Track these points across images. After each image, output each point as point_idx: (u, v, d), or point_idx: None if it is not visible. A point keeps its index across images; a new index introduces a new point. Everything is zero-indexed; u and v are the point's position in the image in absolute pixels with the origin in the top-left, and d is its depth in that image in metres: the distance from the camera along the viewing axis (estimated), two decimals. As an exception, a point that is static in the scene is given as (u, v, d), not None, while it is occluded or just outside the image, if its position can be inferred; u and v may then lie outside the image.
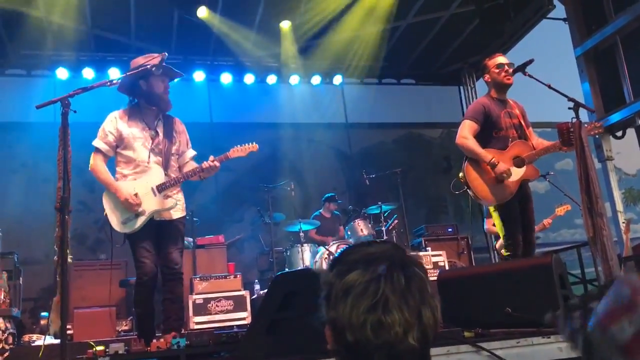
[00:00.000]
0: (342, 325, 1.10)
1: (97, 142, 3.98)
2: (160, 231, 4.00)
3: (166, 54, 3.93)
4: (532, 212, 4.45)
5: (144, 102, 4.06)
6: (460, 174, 4.46)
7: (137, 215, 3.87)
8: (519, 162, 4.29)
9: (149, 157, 3.99)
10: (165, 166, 4.03)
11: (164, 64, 3.95)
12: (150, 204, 3.91)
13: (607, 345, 0.97)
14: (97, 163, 3.98)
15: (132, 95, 4.10)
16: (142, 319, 3.92)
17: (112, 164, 4.12)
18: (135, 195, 3.87)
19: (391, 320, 1.07)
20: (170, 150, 4.09)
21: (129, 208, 3.84)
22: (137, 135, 4.00)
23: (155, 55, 4.02)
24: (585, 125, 3.99)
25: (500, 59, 4.50)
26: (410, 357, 1.09)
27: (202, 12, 7.55)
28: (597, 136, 6.12)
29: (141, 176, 3.96)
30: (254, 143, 4.24)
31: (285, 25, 8.15)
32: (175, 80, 4.29)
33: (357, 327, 1.08)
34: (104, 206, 3.97)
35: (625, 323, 0.96)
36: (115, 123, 4.00)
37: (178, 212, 4.07)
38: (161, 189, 3.96)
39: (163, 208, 3.96)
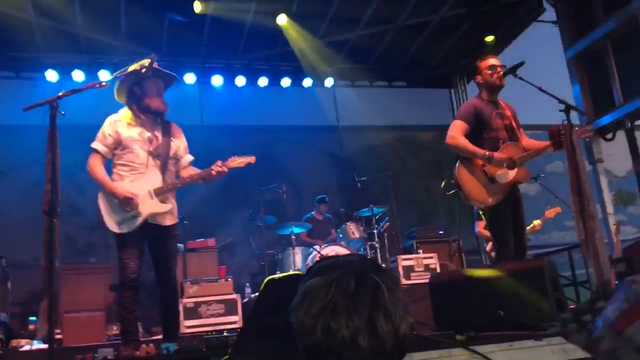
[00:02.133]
0: (300, 330, 1.12)
1: (96, 144, 3.99)
2: (154, 239, 4.01)
3: (155, 55, 3.90)
4: (523, 214, 4.45)
5: (140, 108, 4.06)
6: (452, 176, 4.46)
7: (134, 217, 3.87)
8: (510, 164, 4.29)
9: (148, 160, 3.99)
10: (163, 170, 4.04)
11: (156, 66, 3.94)
12: (146, 207, 3.91)
13: (627, 349, 0.96)
14: (94, 163, 3.98)
15: (128, 102, 4.11)
16: (126, 322, 3.89)
17: (108, 167, 4.10)
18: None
19: (339, 323, 1.07)
20: (169, 154, 4.09)
21: (127, 206, 3.83)
22: (135, 138, 4.00)
23: (145, 60, 4.02)
24: (576, 128, 4.00)
25: (492, 61, 4.51)
26: None
27: (198, 7, 7.44)
28: (587, 139, 6.15)
29: (139, 178, 3.96)
30: (252, 155, 4.26)
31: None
32: (172, 84, 4.29)
33: (310, 330, 1.09)
34: (99, 207, 3.95)
35: None
36: (114, 126, 4.01)
37: (171, 220, 4.08)
38: (158, 192, 3.96)
39: (159, 211, 3.96)
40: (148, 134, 4.05)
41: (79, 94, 3.40)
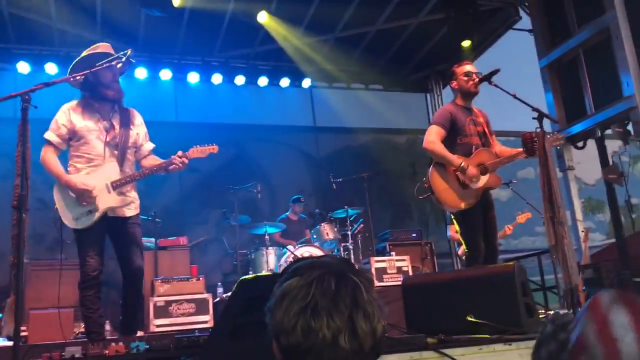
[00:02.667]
0: (278, 330, 1.11)
1: (49, 135, 3.83)
2: (115, 231, 3.88)
3: (131, 50, 3.80)
4: (495, 219, 4.51)
5: (95, 94, 3.90)
6: (425, 179, 4.49)
7: (91, 211, 3.73)
8: (482, 169, 4.34)
9: (105, 150, 3.84)
10: (122, 160, 3.89)
11: (126, 58, 3.77)
12: (104, 201, 3.77)
13: None
14: (47, 155, 3.83)
15: (82, 88, 3.93)
16: (89, 321, 3.80)
17: (65, 158, 3.95)
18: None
19: (319, 323, 1.07)
20: (127, 143, 3.94)
21: (83, 199, 3.70)
22: (91, 128, 3.85)
23: (101, 44, 3.92)
24: (548, 135, 4.07)
25: (468, 67, 4.55)
26: None
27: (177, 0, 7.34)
28: (558, 147, 6.26)
29: (96, 170, 3.81)
30: (214, 145, 4.11)
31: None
32: (127, 69, 4.12)
33: (289, 330, 1.09)
34: (54, 201, 3.82)
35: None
36: (68, 115, 3.85)
37: (132, 210, 3.95)
38: (116, 185, 3.82)
39: (118, 205, 3.83)
40: (105, 123, 3.89)
41: (50, 87, 3.32)
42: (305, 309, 1.08)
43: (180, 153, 3.95)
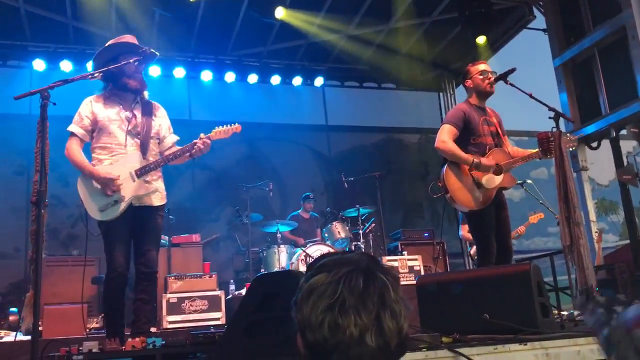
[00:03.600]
0: (304, 326, 1.12)
1: (73, 127, 3.77)
2: (138, 222, 3.78)
3: (152, 50, 3.77)
4: (508, 219, 4.48)
5: (117, 85, 3.85)
6: (439, 178, 4.47)
7: (116, 201, 3.65)
8: (497, 170, 4.32)
9: (126, 140, 3.78)
10: (144, 150, 3.82)
11: (147, 51, 3.74)
12: (129, 189, 3.70)
13: (628, 344, 1.00)
14: (72, 147, 3.75)
15: (104, 79, 3.87)
16: (110, 316, 3.71)
17: (88, 151, 3.89)
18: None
19: (347, 321, 1.07)
20: (149, 132, 3.88)
21: (108, 188, 3.62)
22: (113, 118, 3.79)
23: (126, 36, 3.88)
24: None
25: (484, 66, 4.50)
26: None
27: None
28: (572, 148, 6.23)
29: (118, 160, 3.74)
30: (237, 124, 4.04)
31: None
32: (150, 62, 4.06)
33: (316, 326, 1.09)
34: (79, 193, 3.72)
35: None
36: (90, 107, 3.80)
37: (158, 199, 3.87)
38: (141, 173, 3.74)
39: (143, 193, 3.75)
40: (127, 113, 3.84)
41: (69, 83, 3.34)
42: (333, 306, 1.09)
43: (202, 135, 3.90)
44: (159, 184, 3.90)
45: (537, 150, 4.19)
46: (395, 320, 1.11)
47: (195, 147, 3.85)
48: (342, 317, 1.08)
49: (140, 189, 3.74)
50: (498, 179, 4.32)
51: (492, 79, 4.40)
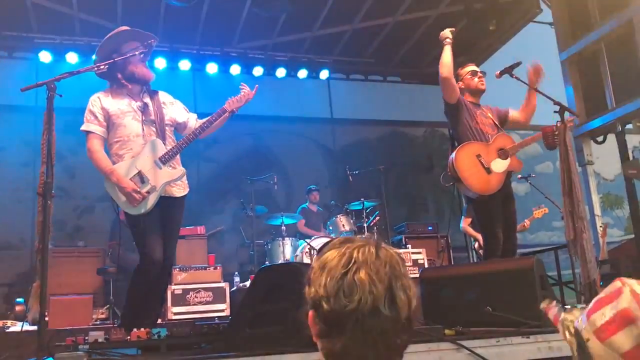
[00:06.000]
0: (319, 298, 1.12)
1: (89, 126, 3.65)
2: (164, 213, 3.70)
3: (154, 40, 3.77)
4: (515, 214, 4.48)
5: (124, 75, 3.75)
6: (448, 168, 4.43)
7: (149, 192, 3.55)
8: (503, 154, 4.34)
9: (143, 130, 3.69)
10: (162, 137, 3.74)
11: (150, 42, 3.73)
12: (159, 177, 3.60)
13: (607, 354, 1.01)
14: (95, 148, 3.62)
15: (110, 72, 3.72)
16: (135, 309, 3.58)
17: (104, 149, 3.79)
18: (140, 172, 3.57)
19: (362, 288, 1.09)
20: (164, 120, 3.81)
21: (134, 201, 3.50)
22: (125, 110, 3.70)
23: (123, 28, 3.82)
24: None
25: (472, 67, 4.68)
26: (382, 330, 1.10)
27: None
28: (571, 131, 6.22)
29: (139, 152, 3.64)
30: (253, 90, 4.15)
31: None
32: (152, 50, 3.89)
33: (332, 294, 1.10)
34: (108, 192, 3.61)
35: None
36: (100, 102, 3.69)
37: (181, 190, 3.81)
38: (165, 159, 3.66)
39: (172, 179, 3.69)
40: (137, 104, 3.75)
41: (75, 75, 3.35)
42: (347, 274, 1.11)
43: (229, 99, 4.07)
44: (182, 169, 3.84)
45: (539, 132, 4.24)
46: (405, 293, 1.13)
47: (228, 108, 4.00)
48: (356, 284, 1.09)
49: (169, 175, 3.67)
50: (505, 163, 4.34)
51: (482, 77, 4.51)
